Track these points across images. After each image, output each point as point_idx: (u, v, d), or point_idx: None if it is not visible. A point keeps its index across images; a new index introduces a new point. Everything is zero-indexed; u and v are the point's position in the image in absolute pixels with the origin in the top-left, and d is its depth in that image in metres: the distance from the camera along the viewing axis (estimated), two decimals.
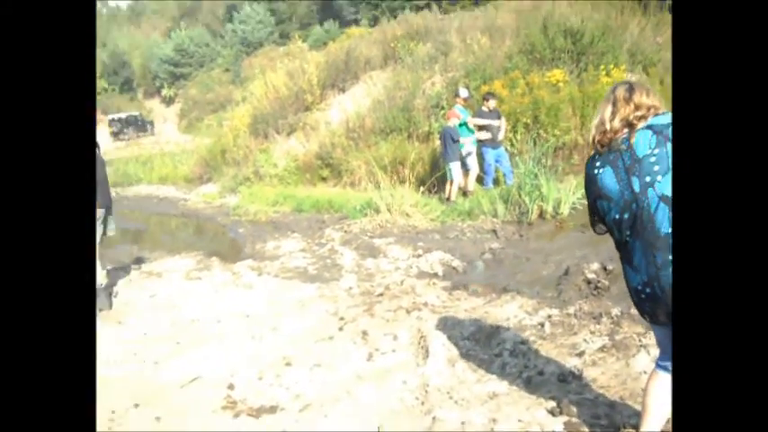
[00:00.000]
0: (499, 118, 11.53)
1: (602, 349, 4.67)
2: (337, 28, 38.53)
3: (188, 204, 18.28)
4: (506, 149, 11.82)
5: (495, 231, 9.31)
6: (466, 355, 4.84)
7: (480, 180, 11.70)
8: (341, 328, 5.74)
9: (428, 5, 35.95)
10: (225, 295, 7.31)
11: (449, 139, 11.04)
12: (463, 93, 11.81)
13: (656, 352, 3.51)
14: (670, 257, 2.57)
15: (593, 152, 2.93)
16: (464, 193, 11.41)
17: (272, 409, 4.25)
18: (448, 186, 11.32)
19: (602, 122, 2.83)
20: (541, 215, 9.77)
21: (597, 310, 5.35)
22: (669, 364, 2.99)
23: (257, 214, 13.66)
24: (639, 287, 2.77)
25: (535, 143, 11.49)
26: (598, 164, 2.84)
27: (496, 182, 11.63)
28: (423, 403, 4.15)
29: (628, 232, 2.75)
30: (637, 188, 2.67)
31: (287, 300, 6.83)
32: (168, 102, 49.13)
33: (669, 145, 2.60)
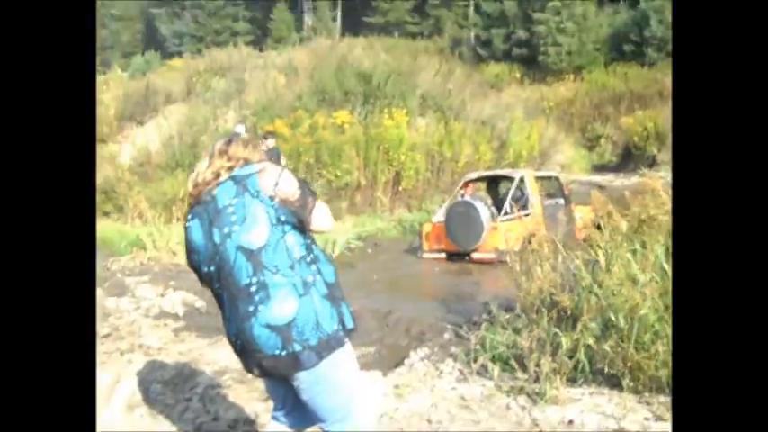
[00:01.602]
0: (279, 156, 11.56)
1: None
2: (160, 59, 37.43)
3: None
4: None
5: None
6: (153, 401, 4.66)
7: None
8: None
9: (258, 40, 35.87)
10: None
11: None
12: (238, 129, 11.80)
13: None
14: (251, 308, 2.54)
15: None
16: None
17: None
18: None
19: (196, 175, 2.77)
20: None
21: None
22: (279, 414, 2.99)
23: None
24: (233, 338, 2.72)
25: (313, 182, 11.60)
26: (189, 216, 2.76)
27: None
28: None
29: (217, 285, 2.70)
30: (217, 240, 2.60)
31: None
32: None
33: (247, 195, 2.58)
